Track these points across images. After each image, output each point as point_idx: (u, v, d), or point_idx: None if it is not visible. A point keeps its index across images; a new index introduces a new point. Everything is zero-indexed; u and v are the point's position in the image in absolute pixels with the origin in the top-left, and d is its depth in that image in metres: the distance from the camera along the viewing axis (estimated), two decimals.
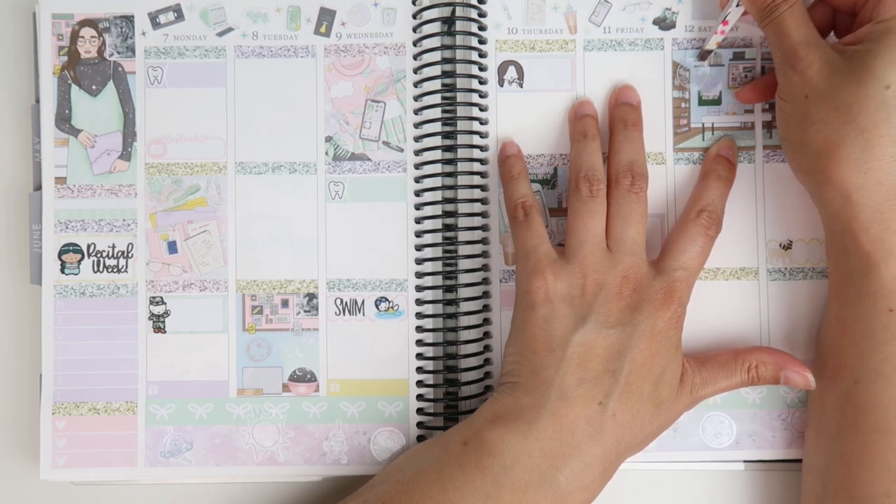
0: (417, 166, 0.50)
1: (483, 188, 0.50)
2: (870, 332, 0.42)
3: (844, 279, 0.43)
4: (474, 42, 0.50)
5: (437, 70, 0.50)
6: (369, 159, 0.50)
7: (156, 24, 0.51)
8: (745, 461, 0.49)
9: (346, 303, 0.50)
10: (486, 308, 0.50)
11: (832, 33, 0.48)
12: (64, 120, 0.50)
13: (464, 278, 0.49)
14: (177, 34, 0.51)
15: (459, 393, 0.49)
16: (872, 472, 0.42)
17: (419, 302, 0.50)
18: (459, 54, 0.50)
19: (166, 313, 0.50)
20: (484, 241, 0.50)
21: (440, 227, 0.50)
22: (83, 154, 0.50)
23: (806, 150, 0.43)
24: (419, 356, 0.49)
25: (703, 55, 0.50)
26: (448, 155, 0.50)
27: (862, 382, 0.42)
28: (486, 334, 0.49)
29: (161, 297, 0.50)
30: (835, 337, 0.44)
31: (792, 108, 0.44)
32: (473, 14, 0.50)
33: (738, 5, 0.46)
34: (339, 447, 0.49)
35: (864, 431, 0.42)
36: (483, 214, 0.50)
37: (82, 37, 0.51)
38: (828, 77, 0.42)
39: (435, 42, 0.50)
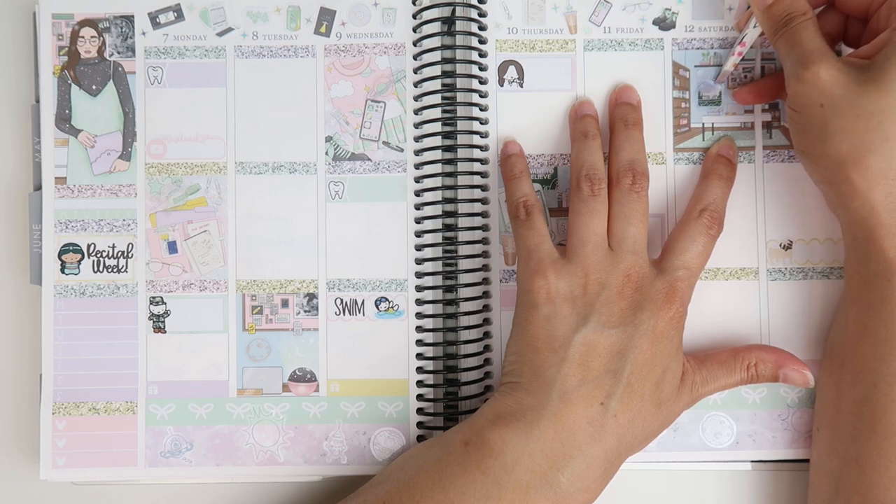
0: (417, 166, 0.50)
1: (483, 188, 0.50)
2: (891, 336, 0.42)
3: (865, 283, 0.43)
4: (474, 42, 0.50)
5: (437, 70, 0.50)
6: (369, 159, 0.50)
7: (156, 24, 0.51)
8: (752, 461, 0.49)
9: (346, 303, 0.50)
10: (486, 308, 0.50)
11: (842, 45, 0.48)
12: (64, 120, 0.50)
13: (464, 278, 0.49)
14: (177, 34, 0.51)
15: (459, 393, 0.49)
16: (889, 476, 0.41)
17: (419, 302, 0.50)
18: (459, 54, 0.50)
19: (166, 313, 0.50)
20: (484, 241, 0.50)
21: (440, 227, 0.50)
22: (83, 154, 0.50)
23: (827, 160, 0.43)
24: (419, 356, 0.49)
25: (722, 77, 0.50)
26: (448, 155, 0.50)
27: (881, 386, 0.42)
28: (486, 334, 0.49)
29: (161, 297, 0.50)
30: (853, 341, 0.44)
31: (806, 119, 0.43)
32: (473, 14, 0.50)
33: (755, 26, 0.46)
34: (339, 447, 0.49)
35: (881, 435, 0.42)
36: (483, 214, 0.50)
37: (82, 37, 0.50)
38: (844, 85, 0.42)
39: (435, 42, 0.50)
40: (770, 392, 0.49)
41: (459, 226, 0.50)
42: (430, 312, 0.49)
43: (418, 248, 0.50)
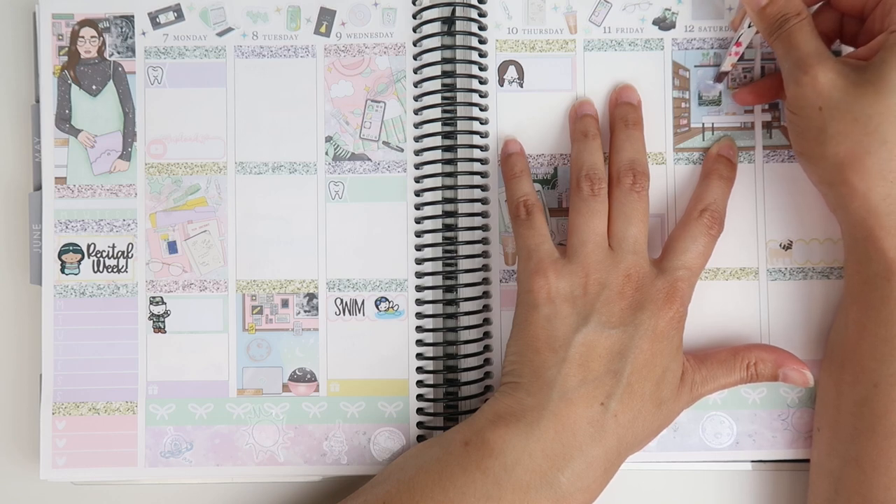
0: (417, 166, 0.50)
1: (483, 188, 0.50)
2: (891, 337, 0.42)
3: (865, 283, 0.43)
4: (474, 42, 0.50)
5: (437, 70, 0.50)
6: (369, 159, 0.50)
7: (156, 24, 0.51)
8: (752, 461, 0.49)
9: (346, 303, 0.50)
10: (486, 308, 0.50)
11: (839, 43, 0.48)
12: (64, 120, 0.50)
13: (464, 278, 0.49)
14: (177, 34, 0.51)
15: (459, 393, 0.49)
16: (889, 476, 0.42)
17: (419, 302, 0.50)
18: (459, 54, 0.50)
19: (166, 313, 0.50)
20: (484, 241, 0.50)
21: (440, 227, 0.50)
22: (83, 154, 0.50)
23: (826, 162, 0.43)
24: (419, 356, 0.49)
25: (720, 77, 0.50)
26: (448, 155, 0.50)
27: (881, 386, 0.42)
28: (486, 334, 0.49)
29: (161, 297, 0.50)
30: (853, 341, 0.44)
31: (805, 122, 0.43)
32: (473, 14, 0.50)
33: (750, 26, 0.46)
34: (339, 447, 0.49)
35: (881, 435, 0.42)
36: (483, 214, 0.50)
37: (82, 37, 0.50)
38: (842, 88, 0.42)
39: (435, 42, 0.50)
40: (770, 392, 0.49)
41: (459, 226, 0.50)
42: (430, 312, 0.49)
43: (418, 248, 0.50)
